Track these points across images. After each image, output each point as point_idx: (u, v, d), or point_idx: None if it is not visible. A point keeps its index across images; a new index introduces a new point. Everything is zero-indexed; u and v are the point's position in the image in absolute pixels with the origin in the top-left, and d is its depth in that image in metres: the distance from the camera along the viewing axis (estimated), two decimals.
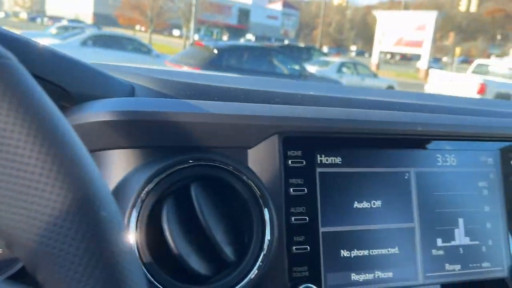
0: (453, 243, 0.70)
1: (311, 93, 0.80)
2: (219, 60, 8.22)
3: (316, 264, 0.62)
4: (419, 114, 0.73)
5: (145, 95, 0.68)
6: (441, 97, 1.16)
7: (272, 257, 0.59)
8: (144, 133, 0.58)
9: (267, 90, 0.74)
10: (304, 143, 0.64)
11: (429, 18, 24.83)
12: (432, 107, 0.81)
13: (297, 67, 9.37)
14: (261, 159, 0.62)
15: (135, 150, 0.58)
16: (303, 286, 0.59)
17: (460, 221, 0.71)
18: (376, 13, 28.42)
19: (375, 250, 0.65)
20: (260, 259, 0.58)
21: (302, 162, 0.63)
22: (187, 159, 0.57)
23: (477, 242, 0.71)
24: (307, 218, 0.62)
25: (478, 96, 11.46)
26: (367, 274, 0.65)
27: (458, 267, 0.69)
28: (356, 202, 0.66)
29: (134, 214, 0.54)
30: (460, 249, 0.70)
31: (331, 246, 0.63)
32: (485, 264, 0.71)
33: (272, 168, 0.62)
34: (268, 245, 0.58)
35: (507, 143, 0.76)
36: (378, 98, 0.84)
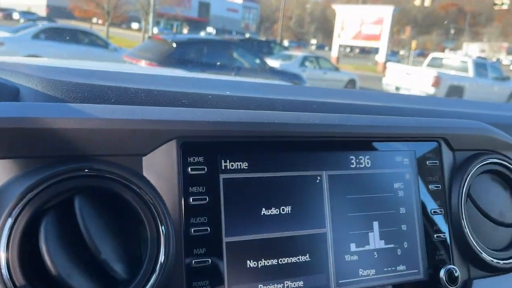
0: (367, 247, 0.68)
1: (228, 93, 0.77)
2: (178, 54, 8.06)
3: (219, 277, 0.58)
4: (330, 115, 0.70)
5: (31, 98, 0.62)
6: (373, 94, 1.15)
7: (168, 273, 0.55)
8: (22, 142, 0.52)
9: (173, 91, 0.70)
10: (205, 149, 0.60)
11: (386, 12, 25.34)
12: (352, 107, 0.79)
13: (257, 60, 9.33)
14: (158, 167, 0.57)
15: (10, 160, 0.52)
16: None
17: (375, 224, 0.69)
18: (335, 7, 28.76)
19: (284, 259, 0.63)
20: (154, 277, 0.53)
21: (203, 169, 0.59)
22: (68, 170, 0.52)
23: (392, 245, 0.69)
24: (208, 228, 0.58)
25: (432, 89, 11.81)
26: (276, 284, 0.62)
27: (372, 271, 0.67)
28: (264, 208, 0.62)
29: (6, 232, 0.49)
30: (375, 253, 0.68)
31: (236, 256, 0.60)
32: (400, 267, 0.70)
33: (170, 177, 0.57)
34: (163, 261, 0.54)
35: (423, 143, 0.75)
36: (310, 98, 0.81)
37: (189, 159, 0.59)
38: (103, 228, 0.53)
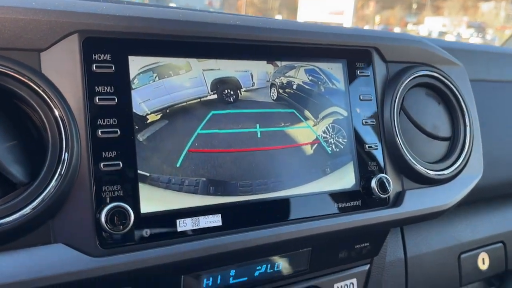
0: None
1: None
2: None
3: (132, 182, 0.55)
4: (257, 18, 0.66)
5: None
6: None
7: (71, 177, 0.50)
8: None
9: None
10: (112, 46, 0.55)
11: None
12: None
13: None
14: (58, 64, 0.52)
15: None
16: (112, 205, 0.52)
17: None
18: None
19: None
20: (54, 181, 0.49)
21: (110, 67, 0.55)
22: None
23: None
24: (118, 131, 0.54)
25: None
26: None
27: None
28: None
29: None
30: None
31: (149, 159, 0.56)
32: None
33: (72, 74, 0.53)
34: (65, 164, 0.50)
35: (354, 52, 0.72)
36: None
37: (94, 56, 0.54)
38: None
